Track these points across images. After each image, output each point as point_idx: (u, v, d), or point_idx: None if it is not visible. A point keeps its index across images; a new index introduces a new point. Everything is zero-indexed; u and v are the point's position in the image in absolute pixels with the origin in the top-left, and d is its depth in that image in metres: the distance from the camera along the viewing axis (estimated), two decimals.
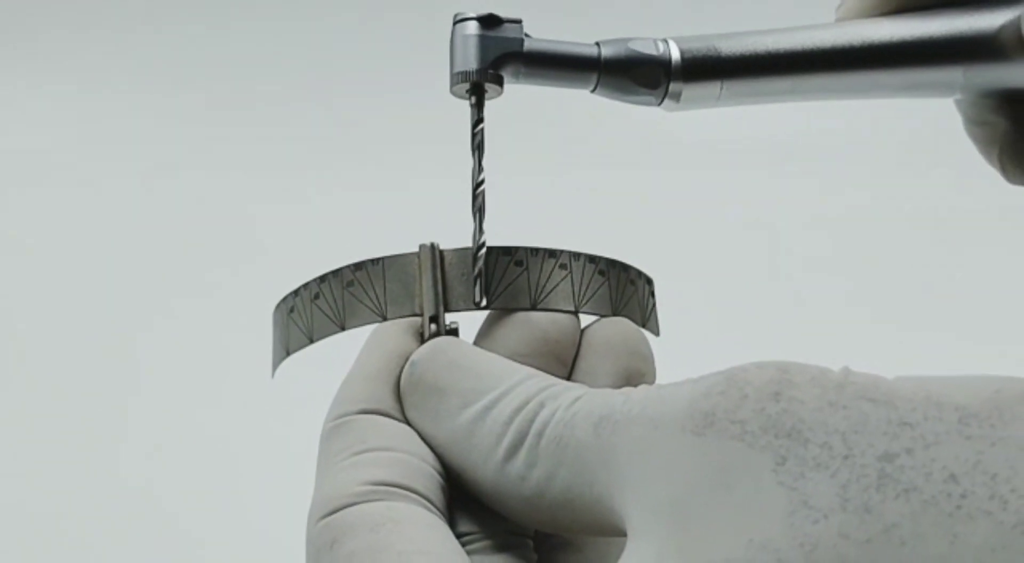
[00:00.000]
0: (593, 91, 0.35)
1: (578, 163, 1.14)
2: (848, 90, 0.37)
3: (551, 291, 0.33)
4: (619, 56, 0.35)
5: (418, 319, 0.32)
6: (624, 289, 0.34)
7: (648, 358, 0.33)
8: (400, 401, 0.31)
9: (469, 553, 0.29)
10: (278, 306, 0.35)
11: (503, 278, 0.33)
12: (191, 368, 0.95)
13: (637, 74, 0.35)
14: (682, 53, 0.35)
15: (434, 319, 0.32)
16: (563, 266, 0.33)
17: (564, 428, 0.27)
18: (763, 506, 0.23)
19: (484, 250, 0.33)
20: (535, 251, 0.33)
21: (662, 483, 0.24)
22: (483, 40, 0.34)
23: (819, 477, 0.23)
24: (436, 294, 0.32)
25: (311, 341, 0.33)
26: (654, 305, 0.35)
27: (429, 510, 0.29)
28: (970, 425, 0.22)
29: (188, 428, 0.91)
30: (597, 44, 0.35)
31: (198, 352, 0.96)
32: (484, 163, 0.34)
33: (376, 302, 0.33)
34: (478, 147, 0.34)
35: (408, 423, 0.31)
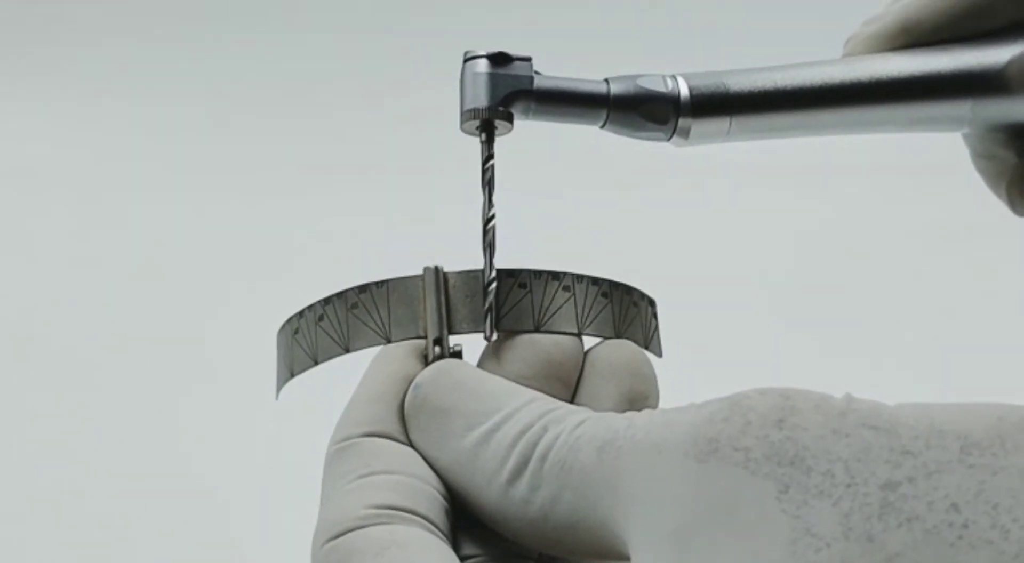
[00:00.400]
0: (603, 127, 0.36)
1: (572, 182, 1.14)
2: (857, 125, 0.37)
3: (555, 313, 0.33)
4: (628, 93, 0.35)
5: (422, 341, 0.33)
6: (627, 311, 0.34)
7: (651, 380, 0.33)
8: (404, 423, 0.31)
9: None
10: (283, 327, 0.35)
11: (507, 300, 0.33)
12: (197, 386, 0.94)
13: (646, 110, 0.35)
14: (691, 89, 0.35)
15: (438, 341, 0.32)
16: (566, 288, 0.33)
17: (568, 452, 0.27)
18: (766, 534, 0.23)
19: (494, 285, 0.33)
20: (538, 274, 0.33)
21: (665, 509, 0.25)
22: (493, 78, 0.34)
23: (822, 505, 0.23)
24: (440, 317, 0.32)
25: (316, 363, 0.33)
26: (656, 327, 0.36)
27: (433, 533, 0.29)
28: (972, 454, 0.23)
29: (189, 451, 0.90)
30: (607, 81, 0.35)
31: (205, 369, 0.96)
32: (495, 199, 0.34)
33: (380, 324, 0.33)
34: (488, 183, 0.34)
35: (412, 445, 0.31)
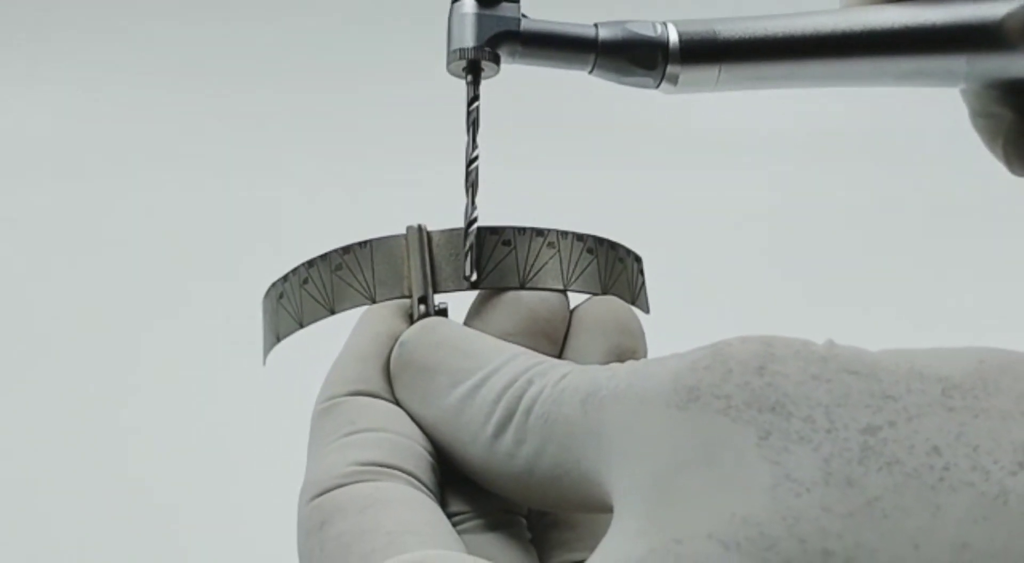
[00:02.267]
0: (591, 72, 0.35)
1: (566, 154, 1.14)
2: (850, 77, 0.36)
3: (539, 270, 0.33)
4: (616, 37, 0.35)
5: (407, 301, 0.32)
6: (613, 267, 0.34)
7: (639, 335, 0.33)
8: (390, 382, 0.31)
9: (461, 532, 0.29)
10: (267, 293, 0.34)
11: (491, 258, 0.33)
12: (189, 360, 0.94)
13: (634, 55, 0.35)
14: (680, 35, 0.35)
15: (423, 300, 0.32)
16: (551, 245, 0.33)
17: (552, 405, 0.27)
18: (746, 480, 0.23)
19: (475, 226, 0.33)
20: (522, 230, 0.33)
21: (646, 458, 0.24)
22: (480, 18, 0.34)
23: (802, 451, 0.23)
24: (424, 275, 0.32)
25: (301, 326, 0.33)
26: (643, 283, 0.35)
27: (419, 489, 0.29)
28: (953, 397, 0.23)
29: (182, 416, 0.91)
30: (595, 26, 0.35)
31: (199, 344, 0.96)
32: (479, 140, 0.34)
33: (365, 285, 0.33)
34: (473, 124, 0.34)
35: (398, 404, 0.31)
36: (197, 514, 0.84)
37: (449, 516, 0.29)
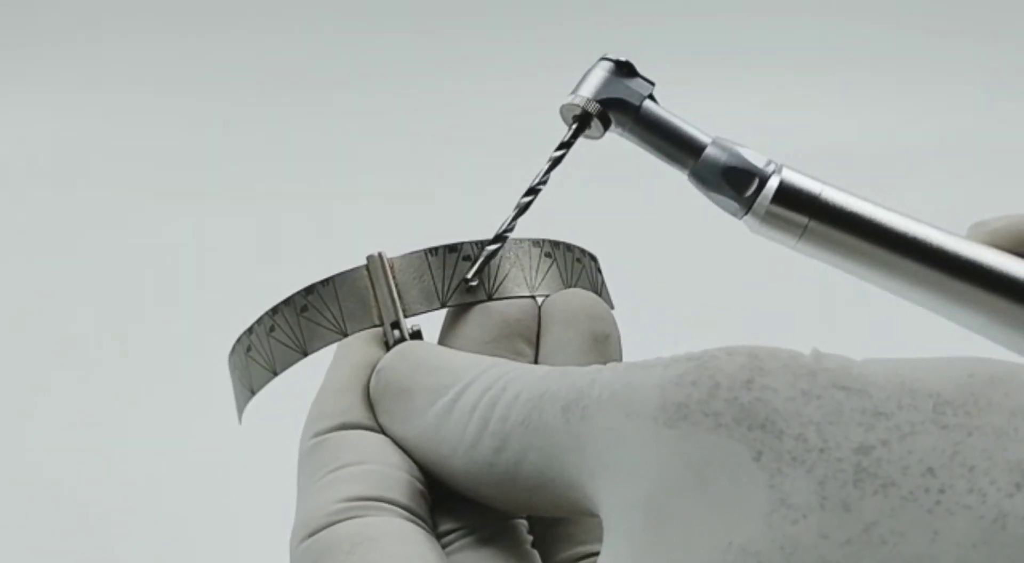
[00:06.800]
0: (689, 176, 0.36)
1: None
2: (933, 292, 0.36)
3: (503, 279, 0.33)
4: (722, 152, 0.36)
5: (380, 329, 0.33)
6: (572, 267, 0.34)
7: (610, 320, 0.33)
8: (372, 410, 0.31)
9: (457, 550, 0.29)
10: (234, 349, 0.34)
11: (455, 275, 0.33)
12: (182, 366, 0.93)
13: (730, 173, 0.36)
14: (785, 177, 0.35)
15: (396, 325, 0.32)
16: (509, 254, 0.33)
17: (532, 410, 0.27)
18: (741, 505, 0.22)
19: (501, 244, 0.33)
20: (479, 244, 0.33)
21: (636, 478, 0.24)
22: (610, 81, 0.36)
23: (796, 473, 0.22)
24: (393, 301, 0.32)
25: (275, 374, 0.33)
26: (603, 281, 0.36)
27: (408, 520, 0.28)
28: (945, 414, 0.22)
29: (182, 421, 0.89)
30: (712, 138, 0.36)
31: (194, 359, 0.94)
32: (549, 177, 0.35)
33: (334, 321, 0.33)
34: (554, 161, 0.35)
35: (382, 431, 0.31)
36: (194, 522, 0.83)
37: (443, 534, 0.29)
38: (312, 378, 0.33)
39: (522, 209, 0.34)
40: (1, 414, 0.91)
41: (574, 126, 0.36)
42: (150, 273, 1.01)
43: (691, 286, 0.97)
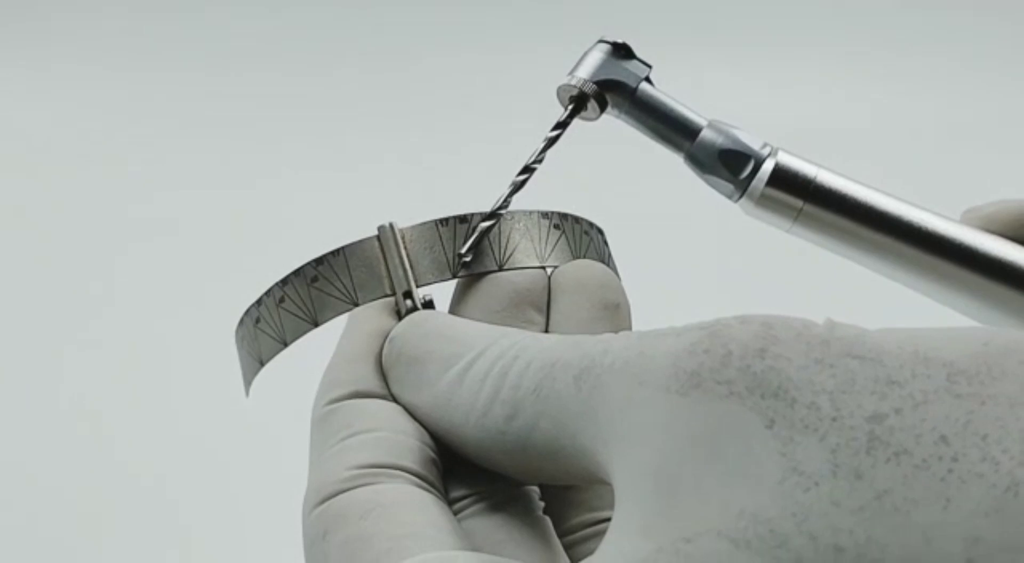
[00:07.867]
0: (685, 160, 0.36)
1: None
2: (927, 276, 0.36)
3: (513, 250, 0.33)
4: (718, 135, 0.36)
5: (392, 299, 0.33)
6: (580, 239, 0.34)
7: (619, 289, 0.33)
8: (384, 379, 0.31)
9: (468, 516, 0.29)
10: (242, 322, 0.34)
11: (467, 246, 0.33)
12: (188, 355, 0.92)
13: (726, 155, 0.36)
14: (780, 160, 0.35)
15: (408, 294, 0.32)
16: (519, 225, 0.34)
17: (543, 378, 0.27)
18: (753, 473, 0.22)
19: (495, 219, 0.33)
20: (491, 216, 0.33)
21: (648, 446, 0.24)
22: (607, 62, 0.36)
23: (808, 441, 0.22)
24: (405, 270, 0.33)
25: (285, 345, 0.33)
26: (610, 253, 0.36)
27: (420, 487, 0.28)
28: (959, 382, 0.22)
29: (182, 413, 0.89)
30: (708, 120, 0.36)
31: (198, 342, 0.94)
32: (545, 156, 0.35)
33: (345, 291, 0.33)
34: (550, 141, 0.35)
35: (395, 400, 0.31)
36: (197, 514, 0.83)
37: (454, 501, 0.29)
38: (319, 351, 0.33)
39: (517, 187, 0.34)
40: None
41: (570, 107, 0.36)
42: (151, 252, 1.01)
43: (696, 261, 0.98)
